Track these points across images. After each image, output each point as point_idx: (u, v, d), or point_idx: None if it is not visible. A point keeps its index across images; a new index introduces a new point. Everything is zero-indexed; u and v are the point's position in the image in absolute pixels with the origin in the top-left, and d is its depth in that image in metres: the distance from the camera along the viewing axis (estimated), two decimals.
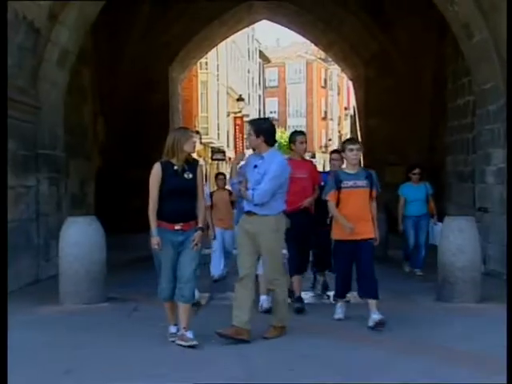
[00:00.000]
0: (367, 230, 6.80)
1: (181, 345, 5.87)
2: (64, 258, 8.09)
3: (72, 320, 7.28)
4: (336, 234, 6.90)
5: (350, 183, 6.70)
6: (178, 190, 5.95)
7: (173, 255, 5.97)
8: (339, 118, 70.88)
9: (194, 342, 5.85)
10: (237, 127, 43.20)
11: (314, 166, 8.13)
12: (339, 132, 59.21)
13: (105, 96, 14.64)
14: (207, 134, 33.91)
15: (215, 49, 27.33)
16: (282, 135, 63.31)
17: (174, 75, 18.35)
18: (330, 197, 6.79)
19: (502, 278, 9.64)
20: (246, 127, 6.15)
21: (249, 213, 6.24)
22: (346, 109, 61.90)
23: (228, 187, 9.37)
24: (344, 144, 7.10)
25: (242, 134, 44.14)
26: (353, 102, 23.78)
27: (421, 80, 15.88)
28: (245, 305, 6.04)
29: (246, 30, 29.90)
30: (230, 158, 38.92)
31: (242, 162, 6.92)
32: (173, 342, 5.98)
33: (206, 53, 24.18)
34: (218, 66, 37.60)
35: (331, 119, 73.21)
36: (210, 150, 38.03)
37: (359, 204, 6.74)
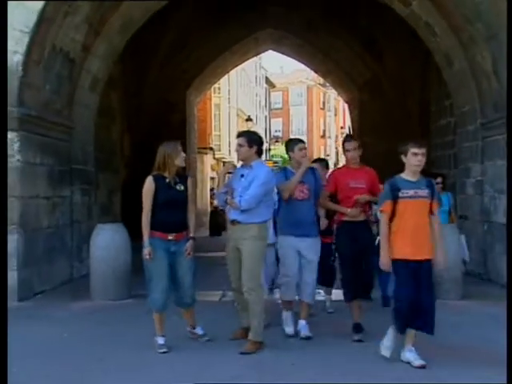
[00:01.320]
0: (428, 249, 5.20)
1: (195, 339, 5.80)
2: (94, 260, 8.23)
3: (101, 314, 7.36)
4: (398, 253, 5.12)
5: (411, 192, 5.15)
6: (171, 202, 5.65)
7: (165, 264, 5.62)
8: (336, 136, 70.98)
9: (206, 338, 5.80)
10: None
11: (375, 174, 6.36)
12: (336, 148, 59.22)
13: (131, 116, 14.73)
14: (220, 151, 33.89)
15: (227, 75, 27.45)
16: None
17: (191, 98, 18.44)
18: (384, 208, 5.24)
19: (480, 277, 9.78)
20: (236, 140, 5.92)
21: (233, 222, 5.77)
22: (342, 128, 62.02)
23: None
24: (407, 146, 5.33)
25: None
26: (348, 122, 23.86)
27: (408, 103, 15.92)
28: (246, 307, 5.77)
29: (253, 58, 30.03)
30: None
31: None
32: (163, 353, 5.51)
33: (219, 79, 24.40)
34: (229, 90, 37.70)
35: (329, 137, 73.30)
36: (222, 164, 38.11)
37: (419, 218, 5.17)
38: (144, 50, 14.57)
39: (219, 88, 33.45)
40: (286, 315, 6.11)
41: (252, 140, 5.81)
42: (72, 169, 10.15)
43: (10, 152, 8.19)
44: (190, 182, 5.85)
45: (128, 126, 14.51)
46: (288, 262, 6.00)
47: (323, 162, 7.80)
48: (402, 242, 5.10)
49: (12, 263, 8.13)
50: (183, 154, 5.81)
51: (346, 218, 5.97)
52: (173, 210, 5.65)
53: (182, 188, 5.74)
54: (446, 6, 9.64)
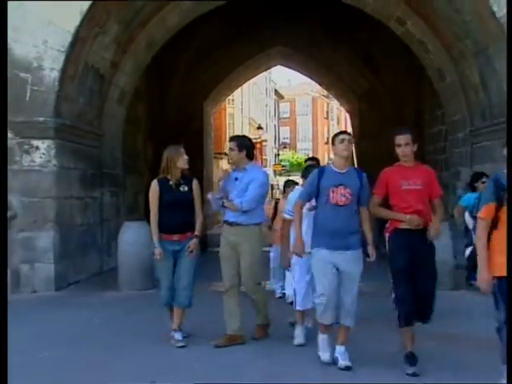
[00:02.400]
0: None
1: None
2: (121, 254, 8.28)
3: (127, 303, 7.41)
4: (500, 270, 3.68)
5: None
6: (175, 203, 5.33)
7: (170, 264, 5.36)
8: None
9: (182, 344, 5.23)
10: (257, 150, 43.27)
11: (433, 173, 4.97)
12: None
13: (154, 125, 14.78)
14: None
15: (240, 88, 27.47)
16: (292, 156, 63.57)
17: (208, 109, 18.45)
18: (486, 213, 3.77)
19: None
20: (228, 144, 5.62)
21: (232, 224, 5.29)
22: None
23: None
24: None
25: (262, 155, 44.26)
26: (349, 129, 23.74)
27: (403, 112, 15.86)
28: (235, 314, 5.31)
29: (264, 73, 30.04)
30: None
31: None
32: (181, 347, 5.19)
33: (233, 91, 24.33)
34: (242, 101, 37.87)
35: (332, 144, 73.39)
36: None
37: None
38: (166, 65, 14.60)
39: (233, 99, 33.58)
40: (323, 339, 4.78)
41: (242, 144, 5.40)
42: (102, 172, 10.18)
43: (47, 158, 8.29)
44: (195, 183, 5.49)
45: (151, 134, 14.53)
46: (325, 279, 4.57)
47: (314, 162, 6.94)
48: (503, 257, 3.67)
49: (49, 257, 8.25)
50: (186, 157, 5.47)
51: (401, 226, 4.59)
52: (177, 211, 5.33)
53: (186, 189, 5.42)
54: (438, 25, 9.65)
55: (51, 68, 8.16)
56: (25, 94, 8.16)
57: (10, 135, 8.13)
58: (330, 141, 4.12)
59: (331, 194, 4.57)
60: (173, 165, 5.38)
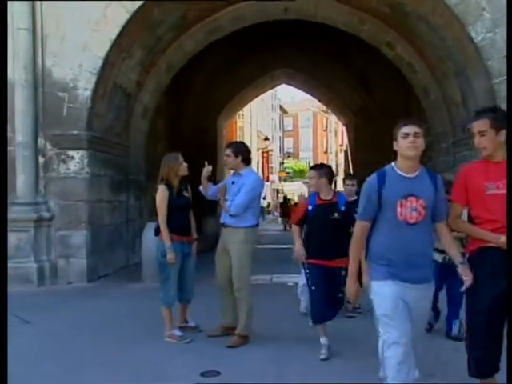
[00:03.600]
0: None
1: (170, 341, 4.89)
2: (145, 251, 8.18)
3: (150, 294, 7.30)
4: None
5: None
6: (181, 207, 5.05)
7: (179, 266, 4.98)
8: (336, 152, 70.58)
9: (199, 329, 5.10)
10: (264, 158, 43.24)
11: None
12: (336, 162, 58.97)
13: (172, 137, 14.75)
14: None
15: (249, 104, 27.48)
16: (295, 163, 63.51)
17: (221, 123, 18.47)
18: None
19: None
20: (225, 151, 5.12)
21: (223, 224, 4.98)
22: (341, 145, 61.54)
23: None
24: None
25: (268, 163, 44.26)
26: (346, 141, 23.78)
27: (394, 126, 15.89)
28: (228, 308, 5.02)
29: (270, 91, 29.99)
30: None
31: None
32: (188, 342, 4.87)
33: (243, 107, 24.27)
34: (250, 116, 37.80)
35: (330, 153, 72.89)
36: None
37: None
38: (183, 85, 14.59)
39: (243, 114, 33.52)
40: None
41: (237, 150, 5.00)
42: (127, 179, 10.18)
43: (80, 166, 8.29)
44: (189, 189, 5.22)
45: (170, 145, 14.53)
46: (398, 323, 2.92)
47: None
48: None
49: (82, 253, 8.26)
50: (185, 164, 5.12)
51: (488, 244, 3.07)
52: (183, 215, 5.09)
53: (187, 194, 5.17)
54: (424, 49, 9.63)
55: (84, 88, 8.19)
56: (62, 110, 8.20)
57: (48, 146, 8.25)
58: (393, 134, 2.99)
59: (399, 209, 2.96)
60: (173, 173, 5.03)
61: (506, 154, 3.08)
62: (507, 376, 2.94)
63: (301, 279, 5.68)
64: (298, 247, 4.59)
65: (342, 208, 4.50)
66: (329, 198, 4.55)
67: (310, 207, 4.55)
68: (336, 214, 4.46)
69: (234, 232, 4.86)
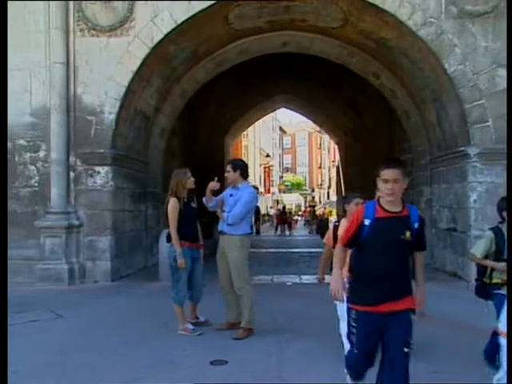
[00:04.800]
0: None
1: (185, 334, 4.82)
2: (161, 254, 8.00)
3: (166, 292, 7.26)
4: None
5: None
6: (191, 217, 5.00)
7: (189, 268, 4.94)
8: (329, 167, 70.53)
9: (199, 332, 4.88)
10: (265, 173, 43.28)
11: None
12: (329, 176, 58.95)
13: (186, 154, 14.77)
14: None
15: (252, 125, 27.54)
16: (293, 177, 63.45)
17: (228, 142, 18.44)
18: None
19: (429, 266, 9.27)
20: (226, 167, 5.02)
21: (221, 232, 4.90)
22: (333, 161, 61.50)
23: None
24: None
25: (269, 177, 44.29)
26: (337, 158, 23.77)
27: (379, 145, 15.80)
28: (232, 305, 4.97)
29: (271, 114, 30.08)
30: (261, 192, 38.83)
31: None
32: (199, 335, 4.83)
33: (247, 128, 24.23)
34: (254, 135, 37.89)
35: (324, 168, 72.87)
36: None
37: None
38: (196, 109, 14.57)
39: (247, 134, 33.55)
40: None
41: (236, 166, 4.95)
42: (146, 191, 10.09)
43: (105, 180, 8.24)
44: (195, 200, 5.15)
45: (184, 161, 14.51)
46: None
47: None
48: None
49: (106, 256, 8.20)
50: (192, 179, 5.07)
51: None
52: (192, 224, 5.03)
53: (194, 205, 5.09)
54: (405, 78, 9.69)
55: (110, 112, 8.22)
56: (90, 131, 8.21)
57: (78, 163, 8.23)
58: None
59: None
60: (181, 186, 4.97)
61: (506, 153, 3.04)
62: (507, 376, 2.76)
63: (342, 325, 3.81)
64: (338, 280, 2.84)
65: (416, 225, 2.72)
66: (397, 209, 2.72)
67: (366, 221, 2.70)
68: (408, 234, 2.68)
69: (231, 239, 4.81)
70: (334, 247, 3.41)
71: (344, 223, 3.62)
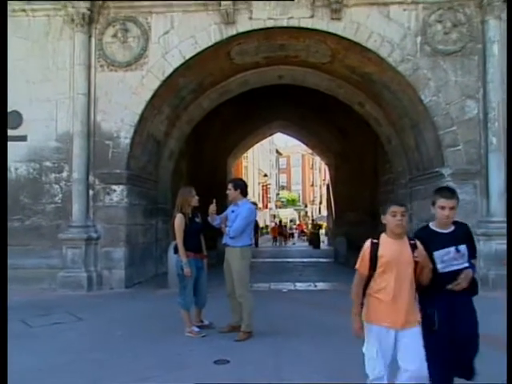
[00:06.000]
0: None
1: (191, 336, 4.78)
2: (170, 263, 7.87)
3: (174, 297, 7.15)
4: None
5: None
6: (196, 231, 5.02)
7: (195, 277, 4.94)
8: (320, 185, 70.38)
9: (203, 334, 4.85)
10: (263, 190, 43.26)
11: None
12: (320, 193, 59.06)
13: (193, 174, 14.73)
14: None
15: (252, 148, 27.63)
16: (288, 194, 63.40)
17: (230, 163, 18.44)
18: None
19: None
20: (227, 185, 5.05)
21: (225, 245, 4.91)
22: (324, 180, 61.57)
23: None
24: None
25: (267, 194, 44.29)
26: (328, 177, 23.87)
27: (365, 166, 15.87)
28: (235, 310, 4.96)
29: (268, 138, 30.18)
30: (260, 208, 38.74)
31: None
32: (203, 336, 4.82)
33: (247, 150, 24.32)
34: (253, 157, 37.96)
35: (316, 186, 72.81)
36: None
37: None
38: (201, 133, 14.56)
39: (247, 156, 33.53)
40: None
41: (236, 185, 4.98)
42: (157, 207, 10.02)
43: (121, 197, 8.21)
44: (199, 216, 5.15)
45: (191, 180, 14.45)
46: None
47: None
48: None
49: (121, 265, 8.16)
50: (196, 197, 5.07)
51: None
52: (196, 237, 5.03)
53: (198, 220, 5.08)
54: (387, 108, 9.75)
55: (125, 137, 8.26)
56: (108, 154, 8.24)
57: (97, 182, 8.22)
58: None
59: None
60: (187, 203, 4.98)
61: (506, 153, 2.95)
62: (507, 376, 2.61)
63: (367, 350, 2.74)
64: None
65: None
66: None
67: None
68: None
69: (233, 251, 4.83)
70: (370, 274, 2.62)
71: (386, 240, 2.64)
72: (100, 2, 8.17)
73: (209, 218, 5.01)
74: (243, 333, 4.74)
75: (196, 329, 4.95)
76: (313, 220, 35.85)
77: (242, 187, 5.00)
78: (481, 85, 7.79)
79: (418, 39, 7.94)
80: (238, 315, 4.92)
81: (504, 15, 7.64)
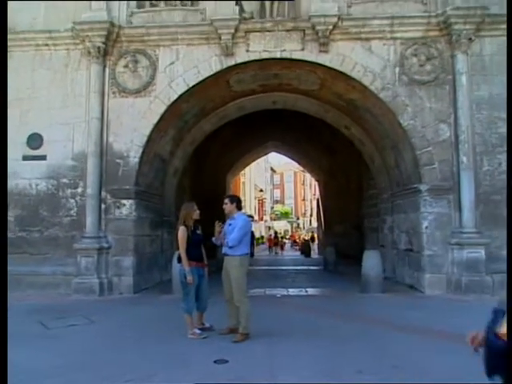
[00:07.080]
0: None
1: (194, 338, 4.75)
2: (174, 271, 7.77)
3: (178, 303, 6.98)
4: None
5: None
6: (198, 242, 5.03)
7: (196, 284, 4.94)
8: (311, 199, 70.41)
9: (204, 335, 4.84)
10: (259, 204, 43.22)
11: None
12: (311, 207, 59.05)
13: (195, 190, 14.70)
14: (244, 208, 33.70)
15: (248, 166, 27.72)
16: (282, 207, 63.34)
17: (228, 180, 18.42)
18: None
19: (392, 280, 9.31)
20: (223, 200, 5.07)
21: (224, 254, 4.91)
22: (314, 195, 61.67)
23: None
24: None
25: (262, 208, 44.25)
26: (317, 192, 23.94)
27: (350, 182, 15.98)
28: (232, 314, 4.95)
29: (263, 156, 30.25)
30: (255, 220, 38.64)
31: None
32: (204, 338, 4.81)
33: (244, 168, 24.41)
34: (250, 174, 38.07)
35: (307, 200, 72.69)
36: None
37: None
38: (203, 153, 14.54)
39: (244, 173, 33.59)
40: None
41: (232, 200, 5.02)
42: (163, 220, 9.97)
43: (129, 210, 8.20)
44: (200, 228, 5.18)
45: (193, 195, 14.43)
46: None
47: None
48: None
49: (130, 272, 8.13)
50: (198, 211, 5.11)
51: None
52: (198, 247, 5.03)
53: (199, 232, 5.10)
54: (370, 130, 9.83)
55: (134, 156, 8.29)
56: (118, 172, 8.28)
57: (108, 197, 8.24)
58: None
59: None
60: (189, 217, 5.01)
61: (506, 153, 2.53)
62: (507, 375, 2.20)
63: None
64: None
65: None
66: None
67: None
68: None
69: (232, 259, 4.83)
70: None
71: None
72: (114, 37, 8.34)
73: (213, 239, 5.04)
74: (241, 334, 4.75)
75: (198, 331, 4.95)
76: (312, 232, 35.88)
77: (237, 201, 5.06)
78: (452, 111, 7.95)
79: (397, 70, 8.12)
80: (235, 319, 4.91)
81: (470, 50, 7.88)
